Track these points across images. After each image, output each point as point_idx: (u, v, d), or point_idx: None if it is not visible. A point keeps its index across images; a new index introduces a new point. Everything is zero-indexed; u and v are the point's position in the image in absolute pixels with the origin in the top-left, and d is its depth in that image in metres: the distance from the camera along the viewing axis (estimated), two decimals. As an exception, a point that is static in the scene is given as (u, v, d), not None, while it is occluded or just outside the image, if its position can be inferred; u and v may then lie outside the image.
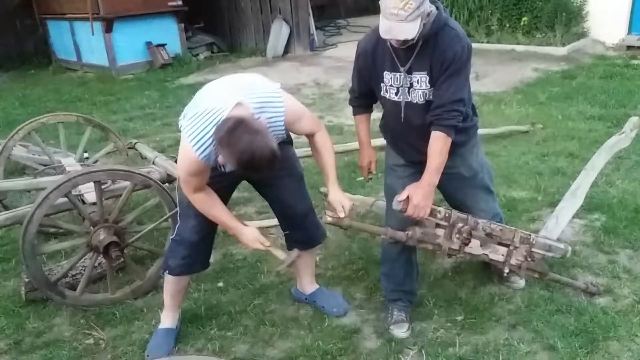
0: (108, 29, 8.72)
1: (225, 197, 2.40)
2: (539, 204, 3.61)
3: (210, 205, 2.22)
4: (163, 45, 9.11)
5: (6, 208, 3.45)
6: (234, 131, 1.92)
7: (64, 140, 3.87)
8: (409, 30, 1.99)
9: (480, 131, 2.76)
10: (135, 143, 4.03)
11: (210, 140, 2.04)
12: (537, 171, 4.08)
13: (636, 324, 2.46)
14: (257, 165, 1.95)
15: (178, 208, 2.42)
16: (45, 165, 3.66)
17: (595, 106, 5.49)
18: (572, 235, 3.18)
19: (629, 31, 7.86)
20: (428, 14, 2.05)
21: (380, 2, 2.03)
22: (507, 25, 8.22)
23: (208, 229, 2.40)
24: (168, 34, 9.27)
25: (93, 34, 8.83)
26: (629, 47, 7.66)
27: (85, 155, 3.94)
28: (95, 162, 3.91)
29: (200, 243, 2.42)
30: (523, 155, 4.40)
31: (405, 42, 2.07)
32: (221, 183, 2.24)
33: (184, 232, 2.39)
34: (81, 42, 9.52)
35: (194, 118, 2.10)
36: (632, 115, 3.96)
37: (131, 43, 8.94)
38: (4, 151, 3.65)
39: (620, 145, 3.57)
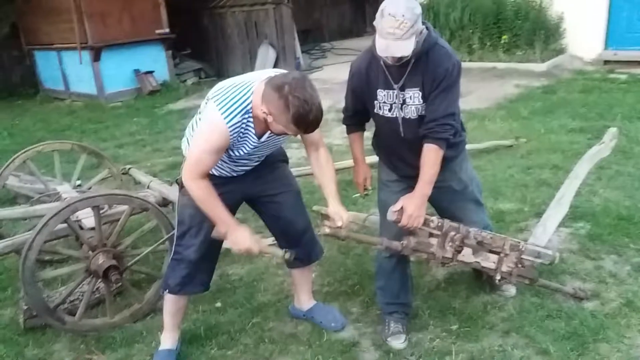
0: (96, 58, 8.81)
1: None
2: (526, 214, 3.70)
3: (209, 194, 2.19)
4: (151, 72, 9.20)
5: (0, 237, 3.46)
6: (300, 81, 2.02)
7: (59, 167, 3.89)
8: (405, 48, 2.10)
9: (467, 147, 2.85)
10: (129, 169, 4.07)
11: (240, 108, 2.10)
12: (523, 183, 4.18)
13: (624, 325, 2.54)
14: (311, 120, 2.05)
15: (177, 228, 2.44)
16: (40, 194, 3.68)
17: (576, 119, 5.64)
18: (559, 243, 3.26)
19: (605, 46, 8.12)
20: (420, 32, 2.16)
21: (375, 23, 2.13)
22: (488, 43, 8.42)
23: (208, 249, 2.43)
24: (156, 61, 9.37)
25: (81, 63, 8.92)
26: (606, 62, 7.90)
27: (78, 182, 3.96)
28: (89, 188, 3.94)
29: (200, 262, 2.44)
30: (508, 168, 4.50)
31: (400, 59, 2.18)
32: (225, 202, 2.27)
33: (184, 251, 2.42)
34: (69, 71, 9.58)
35: (222, 90, 2.14)
36: (611, 127, 4.11)
37: (119, 71, 9.03)
38: (0, 180, 3.68)
39: (601, 155, 3.71)
